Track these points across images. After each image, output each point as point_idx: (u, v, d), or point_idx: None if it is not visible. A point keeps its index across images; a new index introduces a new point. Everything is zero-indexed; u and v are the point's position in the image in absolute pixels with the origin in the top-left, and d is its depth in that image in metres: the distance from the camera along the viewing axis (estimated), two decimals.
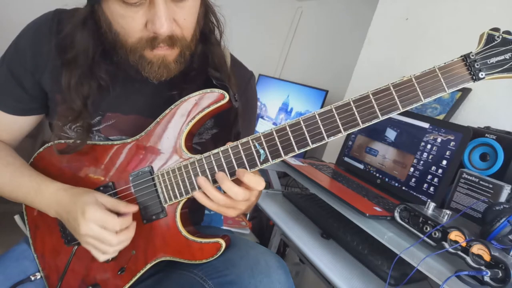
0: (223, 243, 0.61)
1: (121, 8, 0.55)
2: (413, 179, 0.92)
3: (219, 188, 0.58)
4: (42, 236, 0.70)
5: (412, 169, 0.93)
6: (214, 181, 0.59)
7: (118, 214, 0.59)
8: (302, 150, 0.56)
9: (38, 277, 0.68)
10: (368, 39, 1.52)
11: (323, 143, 0.56)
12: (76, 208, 0.58)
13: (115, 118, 0.69)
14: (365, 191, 0.94)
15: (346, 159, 1.16)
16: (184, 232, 0.62)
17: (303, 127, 0.56)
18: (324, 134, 0.55)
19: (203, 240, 0.61)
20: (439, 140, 0.88)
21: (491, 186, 0.75)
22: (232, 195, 0.56)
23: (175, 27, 0.58)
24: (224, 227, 0.97)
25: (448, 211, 0.69)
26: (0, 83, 0.67)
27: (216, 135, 0.75)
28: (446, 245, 0.62)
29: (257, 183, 0.56)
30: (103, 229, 0.57)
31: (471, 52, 0.53)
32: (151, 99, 0.70)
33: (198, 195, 0.58)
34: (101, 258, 0.60)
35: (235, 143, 0.58)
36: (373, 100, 0.54)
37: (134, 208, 0.62)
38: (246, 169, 0.58)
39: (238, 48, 0.86)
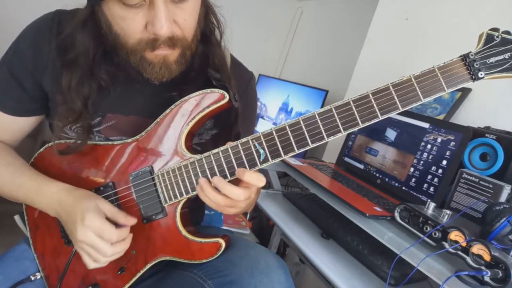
0: (223, 243, 0.61)
1: (121, 10, 0.55)
2: (413, 179, 0.92)
3: None
4: (42, 236, 0.70)
5: (412, 169, 0.93)
6: None
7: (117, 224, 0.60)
8: (302, 150, 0.56)
9: (38, 277, 0.69)
10: (368, 39, 1.52)
11: (322, 142, 0.56)
12: (76, 212, 0.58)
13: (115, 119, 0.69)
14: (365, 191, 0.94)
15: (346, 159, 1.16)
16: (184, 232, 0.62)
17: (303, 127, 0.56)
18: (324, 134, 0.55)
19: (203, 240, 0.61)
20: (439, 140, 0.88)
21: (491, 186, 0.75)
22: (234, 197, 0.56)
23: (176, 28, 0.58)
24: (224, 227, 0.97)
25: (448, 211, 0.69)
26: (0, 84, 0.68)
27: (216, 135, 0.75)
28: (446, 245, 0.62)
29: (258, 180, 0.56)
30: (99, 238, 0.57)
31: (470, 52, 0.52)
32: (151, 100, 0.70)
33: (200, 193, 0.58)
34: (91, 265, 0.59)
35: (235, 143, 0.58)
36: (372, 100, 0.54)
37: (133, 221, 0.62)
38: (246, 168, 0.58)
39: (238, 48, 0.86)
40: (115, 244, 0.58)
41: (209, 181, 0.58)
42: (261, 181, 0.56)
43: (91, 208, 0.58)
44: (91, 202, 0.59)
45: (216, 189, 0.57)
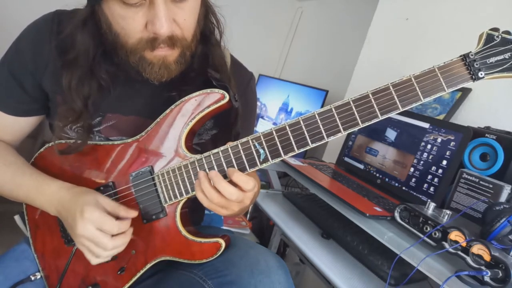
0: (222, 243, 0.61)
1: (121, 9, 0.55)
2: (413, 179, 0.92)
3: None
4: (42, 236, 0.70)
5: (412, 169, 0.93)
6: None
7: (117, 218, 0.59)
8: (302, 150, 0.56)
9: (38, 277, 0.68)
10: (368, 39, 1.52)
11: (322, 142, 0.56)
12: (75, 207, 0.58)
13: (115, 119, 0.69)
14: (365, 191, 0.94)
15: (346, 159, 1.16)
16: (184, 232, 0.62)
17: (303, 126, 0.56)
18: (324, 134, 0.55)
19: (203, 240, 0.61)
20: (439, 140, 0.88)
21: (491, 186, 0.75)
22: (226, 195, 0.55)
23: (175, 27, 0.58)
24: (224, 227, 0.97)
25: (448, 211, 0.69)
26: (1, 84, 0.68)
27: (216, 136, 0.75)
28: (446, 245, 0.62)
29: (246, 182, 0.55)
30: (99, 231, 0.56)
31: (470, 52, 0.52)
32: (151, 100, 0.70)
33: (196, 187, 0.58)
34: (94, 261, 0.59)
35: (235, 143, 0.58)
36: (372, 100, 0.54)
37: (134, 213, 0.62)
38: (246, 168, 0.58)
39: (238, 48, 0.86)
40: (115, 237, 0.58)
41: (207, 177, 0.57)
42: (248, 184, 0.55)
43: (90, 202, 0.58)
44: (90, 196, 0.59)
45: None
